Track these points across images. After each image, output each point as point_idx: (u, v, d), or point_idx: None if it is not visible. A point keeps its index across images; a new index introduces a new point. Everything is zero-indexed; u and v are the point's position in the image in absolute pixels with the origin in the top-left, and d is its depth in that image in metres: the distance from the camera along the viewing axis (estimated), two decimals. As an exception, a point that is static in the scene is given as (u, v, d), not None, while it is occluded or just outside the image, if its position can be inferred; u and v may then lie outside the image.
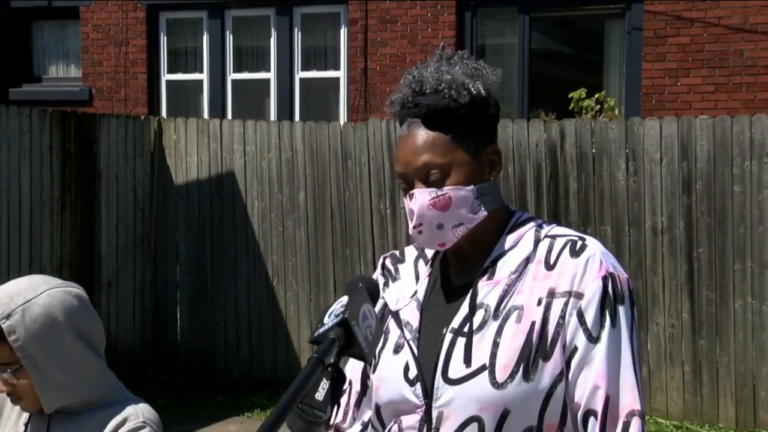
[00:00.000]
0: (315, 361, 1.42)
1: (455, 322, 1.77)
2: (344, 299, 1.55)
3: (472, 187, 1.78)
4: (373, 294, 1.63)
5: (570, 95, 8.90)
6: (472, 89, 1.77)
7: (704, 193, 6.29)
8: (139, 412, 2.11)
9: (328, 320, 1.51)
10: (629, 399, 1.69)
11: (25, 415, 2.16)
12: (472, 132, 1.79)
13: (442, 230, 1.78)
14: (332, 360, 1.45)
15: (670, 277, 6.38)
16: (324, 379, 1.43)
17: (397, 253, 2.00)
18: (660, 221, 6.40)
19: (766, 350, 6.19)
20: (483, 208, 1.79)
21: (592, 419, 1.70)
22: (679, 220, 6.35)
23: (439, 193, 1.77)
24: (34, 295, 2.04)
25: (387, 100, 1.89)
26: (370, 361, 1.58)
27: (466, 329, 1.75)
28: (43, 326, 2.01)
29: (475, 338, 1.73)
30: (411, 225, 1.80)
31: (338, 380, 1.45)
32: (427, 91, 1.79)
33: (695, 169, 6.31)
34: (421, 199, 1.78)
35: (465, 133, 1.78)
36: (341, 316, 1.50)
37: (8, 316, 2.00)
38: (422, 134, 1.78)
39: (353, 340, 1.49)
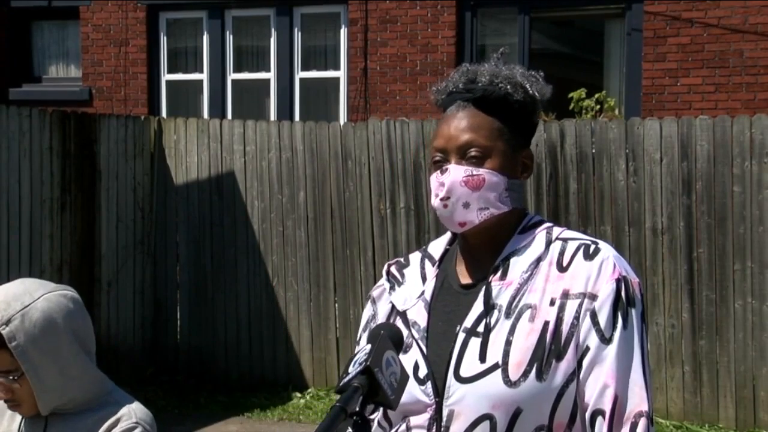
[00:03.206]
0: (337, 410, 1.43)
1: (468, 321, 1.78)
2: (367, 347, 1.56)
3: (505, 177, 1.81)
4: (396, 341, 1.64)
5: (570, 95, 8.90)
6: (529, 89, 1.83)
7: (704, 193, 6.29)
8: (132, 412, 2.12)
9: (352, 369, 1.52)
10: (637, 400, 1.71)
11: (19, 417, 2.16)
12: (516, 130, 1.84)
13: (467, 209, 1.80)
14: (356, 408, 1.46)
15: (670, 277, 6.38)
16: (349, 428, 1.44)
17: (402, 259, 2.01)
18: (660, 221, 6.40)
19: (766, 350, 6.19)
20: (509, 201, 1.82)
21: (599, 418, 1.72)
22: (679, 220, 6.35)
23: (475, 172, 1.80)
24: (31, 300, 2.04)
25: (433, 86, 1.92)
26: (395, 407, 1.58)
27: (480, 328, 1.76)
28: (42, 330, 2.01)
29: (490, 337, 1.75)
30: (438, 197, 1.81)
31: (363, 428, 1.46)
32: (481, 83, 1.83)
33: (695, 169, 6.31)
34: (455, 173, 1.80)
35: (510, 128, 1.83)
36: (364, 364, 1.51)
37: (8, 322, 2.00)
38: (472, 115, 1.82)
39: (378, 388, 1.50)
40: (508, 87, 1.81)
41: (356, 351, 1.61)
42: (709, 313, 6.30)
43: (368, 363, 1.50)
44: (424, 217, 6.88)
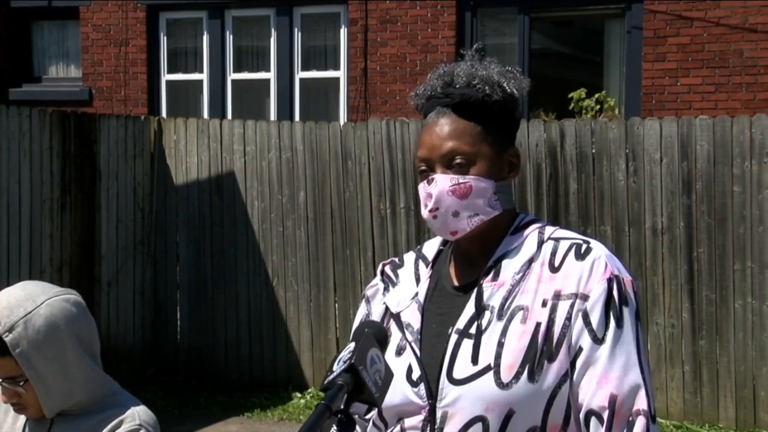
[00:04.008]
0: (322, 408, 1.43)
1: (460, 323, 1.78)
2: (351, 345, 1.56)
3: (492, 181, 1.80)
4: (381, 339, 1.64)
5: (570, 95, 8.91)
6: (507, 88, 1.81)
7: (704, 193, 6.29)
8: (136, 414, 2.12)
9: (337, 367, 1.52)
10: (634, 399, 1.70)
11: (22, 418, 2.16)
12: (498, 130, 1.83)
13: (457, 218, 1.79)
14: (341, 406, 1.46)
15: (670, 277, 6.38)
16: (334, 426, 1.44)
17: (396, 259, 2.00)
18: (660, 221, 6.40)
19: (766, 350, 6.19)
20: (499, 205, 1.82)
21: (594, 419, 1.70)
22: (679, 220, 6.35)
23: (461, 180, 1.79)
24: (34, 306, 2.03)
25: (412, 91, 1.90)
26: (380, 405, 1.58)
27: (472, 330, 1.76)
28: (46, 337, 2.01)
29: (482, 339, 1.75)
30: (427, 209, 1.81)
31: (348, 426, 1.46)
32: (458, 86, 1.82)
33: (695, 169, 6.31)
34: (441, 183, 1.79)
35: (492, 129, 1.82)
36: (348, 362, 1.50)
37: (11, 329, 1.99)
38: (452, 122, 1.81)
39: (363, 386, 1.50)
40: (486, 88, 1.80)
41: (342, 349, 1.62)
42: (709, 313, 6.30)
43: (352, 361, 1.50)
44: (424, 217, 6.87)
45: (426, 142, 1.82)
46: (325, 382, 1.50)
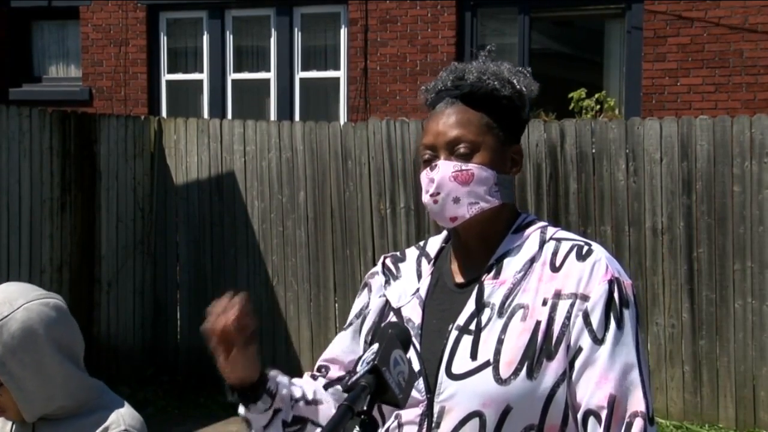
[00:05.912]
0: (344, 409, 1.43)
1: (461, 319, 1.79)
2: (375, 346, 1.56)
3: (494, 172, 1.82)
4: (404, 340, 1.64)
5: (570, 95, 8.90)
6: (516, 84, 1.83)
7: (704, 193, 6.29)
8: (121, 419, 2.08)
9: (360, 368, 1.53)
10: (632, 400, 1.70)
11: (9, 424, 2.14)
12: (504, 125, 1.85)
13: (457, 204, 1.81)
14: (363, 407, 1.47)
15: (670, 277, 6.38)
16: (357, 426, 1.45)
17: (398, 253, 2.01)
18: (660, 221, 6.40)
19: (766, 350, 6.19)
20: (499, 195, 1.83)
21: (592, 419, 1.71)
22: (679, 220, 6.36)
23: (464, 167, 1.80)
24: (10, 310, 1.99)
25: (422, 86, 1.93)
26: (403, 406, 1.58)
27: (472, 326, 1.77)
28: (21, 341, 1.97)
29: (482, 335, 1.76)
30: (428, 193, 1.82)
31: (370, 427, 1.46)
32: (469, 80, 1.84)
33: (695, 169, 6.31)
34: (444, 169, 1.81)
35: (499, 123, 1.83)
36: (372, 363, 1.51)
37: None
38: (460, 111, 1.83)
39: (386, 387, 1.51)
40: (496, 83, 1.82)
41: (361, 353, 1.62)
42: (709, 313, 6.31)
43: (376, 362, 1.51)
44: (424, 217, 6.88)
45: (432, 129, 1.84)
46: (349, 383, 1.51)
